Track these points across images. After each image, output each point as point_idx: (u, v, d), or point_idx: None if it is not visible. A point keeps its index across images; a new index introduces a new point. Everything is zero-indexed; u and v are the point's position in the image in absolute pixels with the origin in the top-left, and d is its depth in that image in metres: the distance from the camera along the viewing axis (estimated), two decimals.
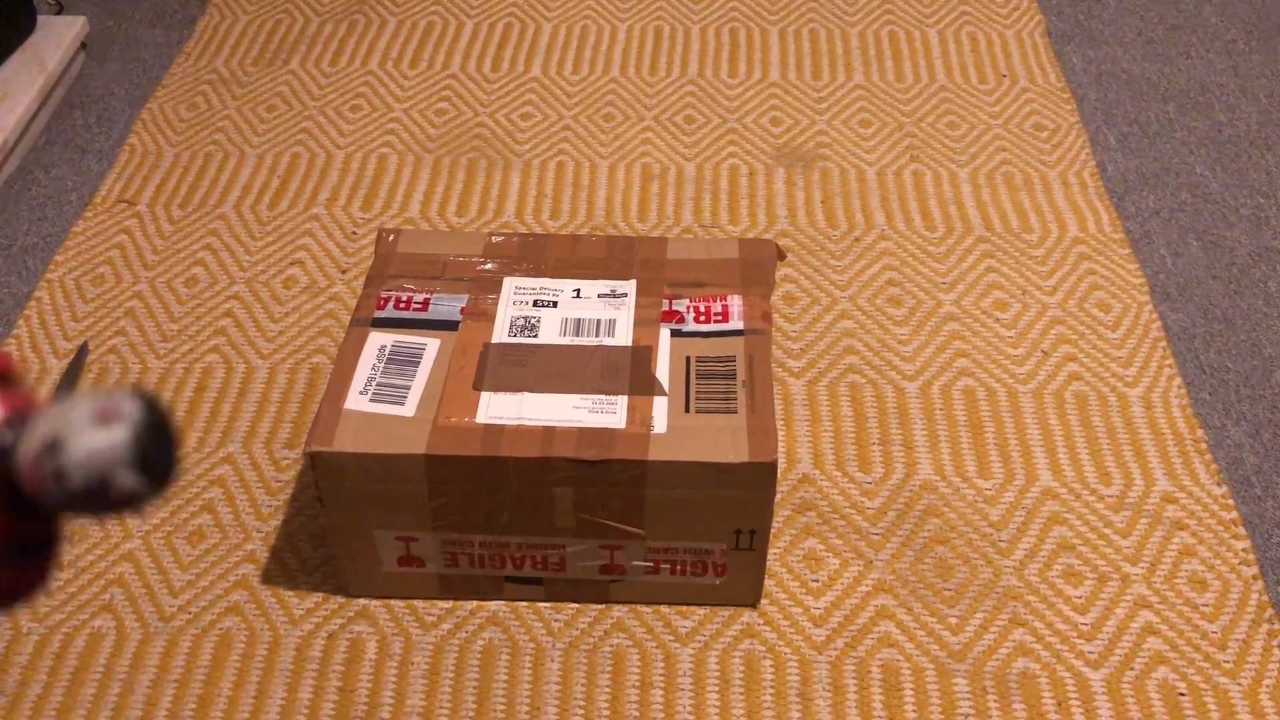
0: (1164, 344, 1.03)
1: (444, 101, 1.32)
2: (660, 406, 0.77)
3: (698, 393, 0.78)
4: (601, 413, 0.77)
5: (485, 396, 0.78)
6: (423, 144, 1.26)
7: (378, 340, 0.82)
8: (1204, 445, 0.95)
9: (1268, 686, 0.79)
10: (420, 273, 0.87)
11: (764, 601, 0.84)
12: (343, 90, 1.34)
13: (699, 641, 0.82)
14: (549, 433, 0.76)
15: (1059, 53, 1.39)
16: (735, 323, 0.83)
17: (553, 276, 0.87)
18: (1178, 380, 1.00)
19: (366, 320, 0.84)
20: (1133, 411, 0.98)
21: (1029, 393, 0.99)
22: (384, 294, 0.86)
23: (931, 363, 1.02)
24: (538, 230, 1.15)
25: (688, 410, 0.77)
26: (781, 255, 0.90)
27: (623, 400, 0.78)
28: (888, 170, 1.22)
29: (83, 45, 1.40)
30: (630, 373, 0.80)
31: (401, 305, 0.85)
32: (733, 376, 0.79)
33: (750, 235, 1.15)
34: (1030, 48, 1.39)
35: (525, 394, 0.78)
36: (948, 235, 1.14)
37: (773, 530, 0.88)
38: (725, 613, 0.84)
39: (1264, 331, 1.05)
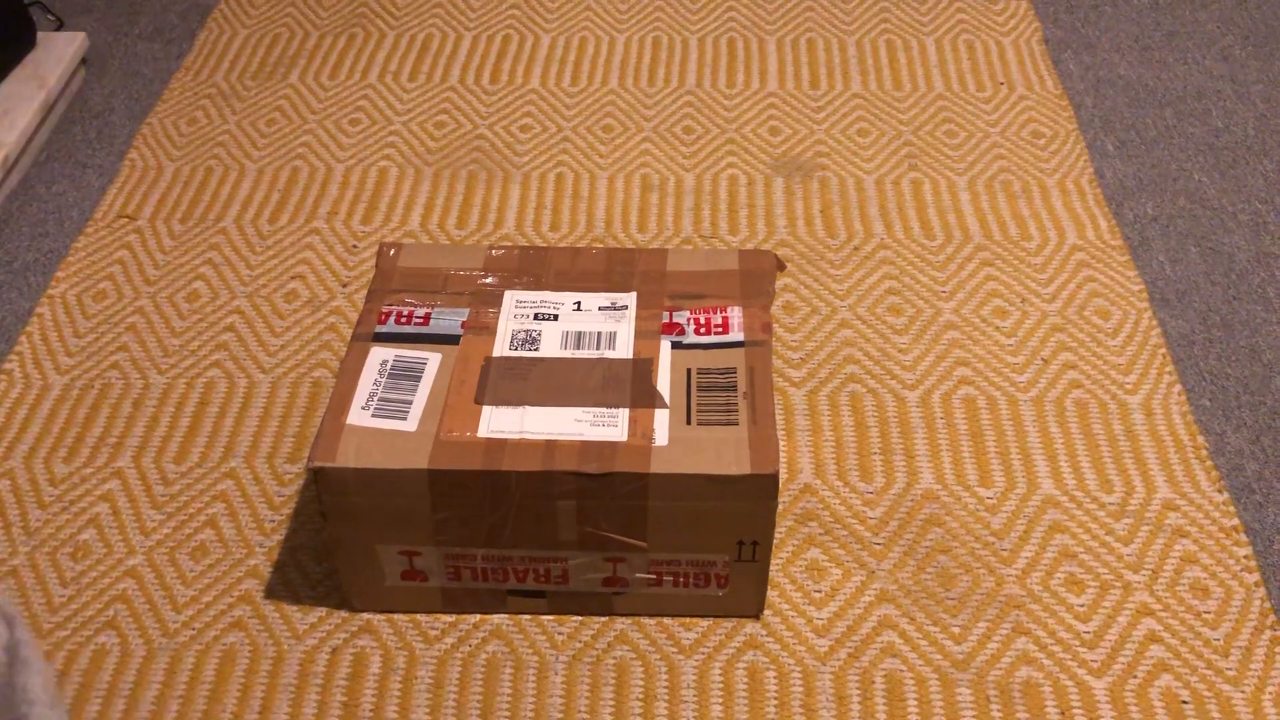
0: (1163, 351, 1.03)
1: (443, 114, 1.32)
2: (662, 419, 0.77)
3: (699, 405, 0.78)
4: (603, 425, 0.77)
5: (487, 410, 0.78)
6: (422, 157, 1.27)
7: (379, 355, 0.82)
8: (1204, 452, 0.95)
9: (1271, 693, 0.80)
10: (421, 287, 0.88)
11: (767, 612, 0.85)
12: (342, 104, 1.34)
13: (702, 653, 0.82)
14: (551, 446, 0.76)
15: (1056, 60, 1.39)
16: (735, 334, 0.83)
17: (553, 289, 0.87)
18: (1178, 387, 1.00)
19: (368, 335, 0.84)
20: (1133, 419, 0.98)
21: (1029, 401, 0.99)
22: (385, 308, 0.86)
23: (932, 371, 1.02)
24: (538, 242, 1.16)
25: (689, 422, 0.77)
26: (781, 266, 0.90)
27: (624, 413, 0.78)
28: (886, 179, 1.22)
29: (83, 61, 1.41)
30: (631, 385, 0.80)
31: (403, 320, 0.85)
32: (734, 388, 0.79)
33: (750, 245, 1.15)
34: (1027, 55, 1.39)
35: (527, 407, 0.78)
36: (947, 243, 1.15)
37: (775, 541, 0.88)
38: (728, 624, 0.84)
39: (1263, 337, 1.05)
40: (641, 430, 0.77)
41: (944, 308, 1.08)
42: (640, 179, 1.23)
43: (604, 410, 0.78)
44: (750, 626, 0.84)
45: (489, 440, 0.76)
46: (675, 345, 0.83)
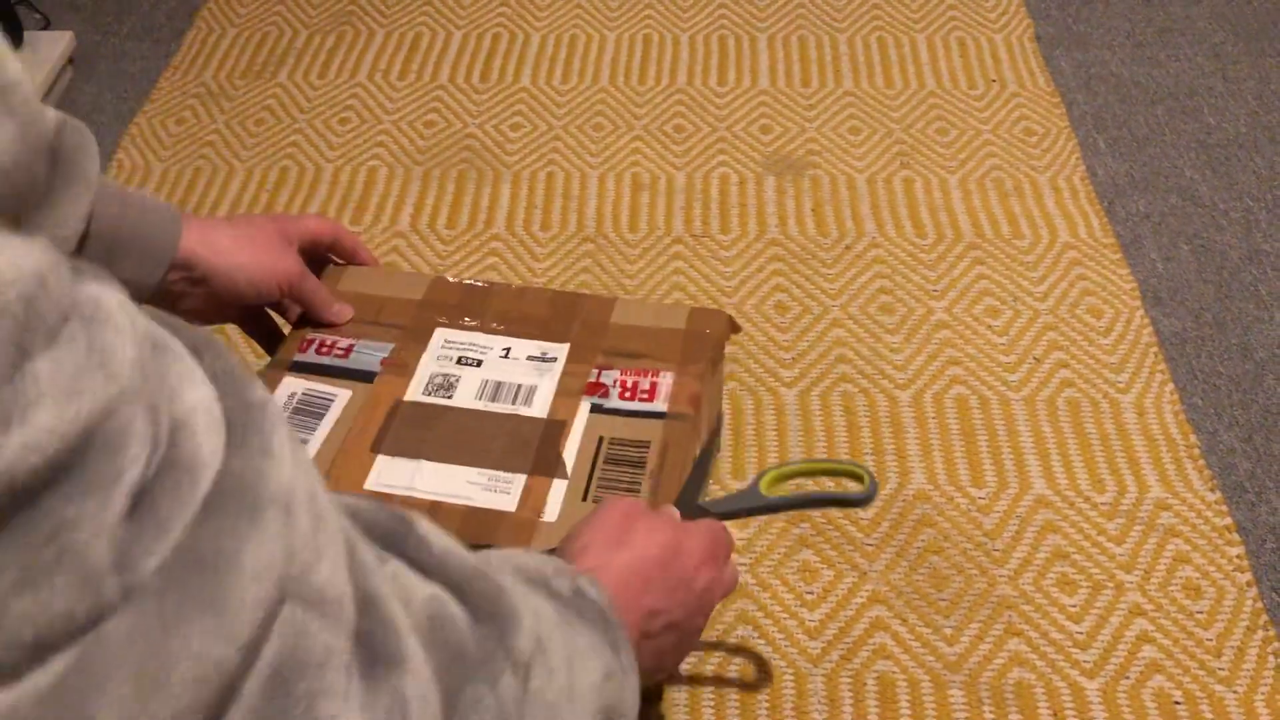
0: (1155, 349, 1.03)
1: (433, 113, 1.32)
2: (557, 491, 0.71)
3: (600, 478, 0.72)
4: (495, 491, 0.71)
5: (381, 460, 0.73)
6: (412, 156, 1.26)
7: (290, 386, 0.77)
8: (1197, 451, 0.95)
9: (1263, 694, 0.79)
10: (354, 314, 0.83)
11: (759, 615, 0.84)
12: (331, 102, 1.33)
13: (694, 656, 0.82)
14: (435, 509, 0.70)
15: (1048, 57, 1.39)
16: (659, 404, 0.77)
17: (486, 331, 0.82)
18: (1170, 386, 1.00)
19: (285, 363, 0.79)
20: (1125, 418, 0.98)
21: (1021, 400, 0.99)
22: (310, 335, 0.81)
23: (923, 371, 1.02)
24: (529, 241, 1.15)
25: (585, 498, 0.72)
26: (735, 328, 0.84)
27: (520, 480, 0.72)
28: (878, 177, 1.22)
29: (70, 60, 1.40)
30: (536, 450, 0.74)
31: (324, 349, 0.80)
32: (642, 464, 0.73)
33: (741, 243, 1.14)
34: (1019, 52, 1.39)
35: (422, 461, 0.73)
36: (938, 242, 1.14)
37: (768, 542, 0.88)
38: (719, 627, 0.84)
39: (1255, 335, 1.05)
40: (533, 504, 0.71)
41: (935, 307, 1.08)
42: (631, 178, 1.23)
43: (501, 474, 0.72)
44: (741, 629, 0.84)
45: (372, 495, 0.71)
46: (595, 408, 0.77)
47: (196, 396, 0.32)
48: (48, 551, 0.27)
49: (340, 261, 0.86)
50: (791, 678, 0.81)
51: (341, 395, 0.77)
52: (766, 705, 0.79)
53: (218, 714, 0.30)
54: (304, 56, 1.41)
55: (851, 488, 0.68)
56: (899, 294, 1.09)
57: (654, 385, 0.78)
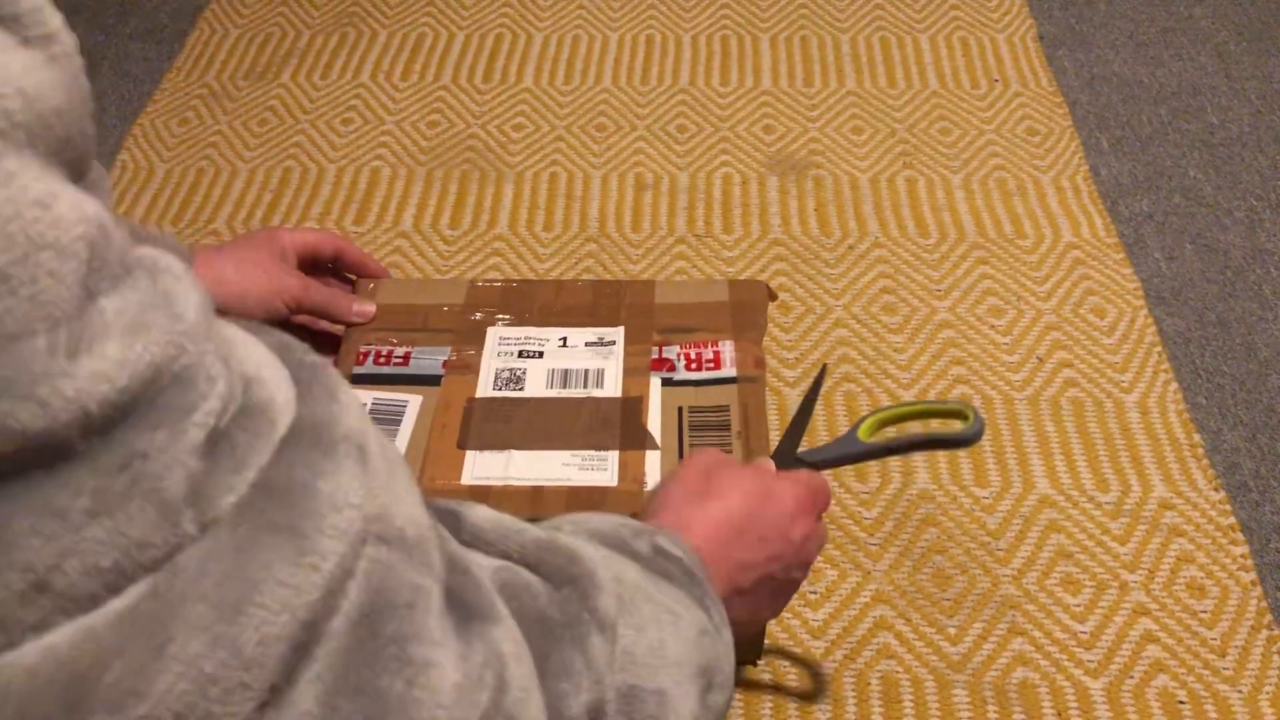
0: (1159, 349, 1.03)
1: (436, 113, 1.32)
2: (653, 461, 0.73)
3: (691, 445, 0.74)
4: (592, 469, 0.73)
5: (470, 456, 0.74)
6: (415, 156, 1.26)
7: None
8: (1200, 450, 0.95)
9: (1268, 693, 0.79)
10: (401, 324, 0.83)
11: None
12: (334, 103, 1.33)
13: None
14: (537, 493, 0.72)
15: (1050, 56, 1.39)
16: (728, 370, 0.79)
17: (538, 325, 0.83)
18: (1173, 385, 1.00)
19: (345, 377, 0.79)
20: (1129, 417, 0.97)
21: (1025, 400, 0.99)
22: (363, 348, 0.81)
23: (927, 370, 1.02)
24: (531, 242, 1.15)
25: None
26: (773, 296, 0.86)
27: (614, 456, 0.74)
28: (881, 177, 1.22)
29: None
30: (621, 426, 0.75)
31: (382, 360, 0.80)
32: (727, 427, 0.75)
33: (744, 244, 1.14)
34: (1022, 52, 1.39)
35: (512, 451, 0.74)
36: (941, 242, 1.14)
37: None
38: None
39: (1259, 334, 1.05)
40: (632, 474, 0.72)
41: (939, 306, 1.07)
42: (634, 178, 1.23)
43: (593, 453, 0.74)
44: None
45: (473, 488, 0.72)
46: (666, 382, 0.78)
47: (260, 356, 0.33)
48: (120, 480, 0.28)
49: (351, 276, 0.87)
50: (795, 677, 0.81)
51: (412, 400, 0.77)
52: (770, 705, 0.79)
53: (304, 653, 0.31)
54: (307, 57, 1.41)
55: (954, 428, 0.66)
56: (902, 294, 1.09)
57: (717, 354, 0.80)
